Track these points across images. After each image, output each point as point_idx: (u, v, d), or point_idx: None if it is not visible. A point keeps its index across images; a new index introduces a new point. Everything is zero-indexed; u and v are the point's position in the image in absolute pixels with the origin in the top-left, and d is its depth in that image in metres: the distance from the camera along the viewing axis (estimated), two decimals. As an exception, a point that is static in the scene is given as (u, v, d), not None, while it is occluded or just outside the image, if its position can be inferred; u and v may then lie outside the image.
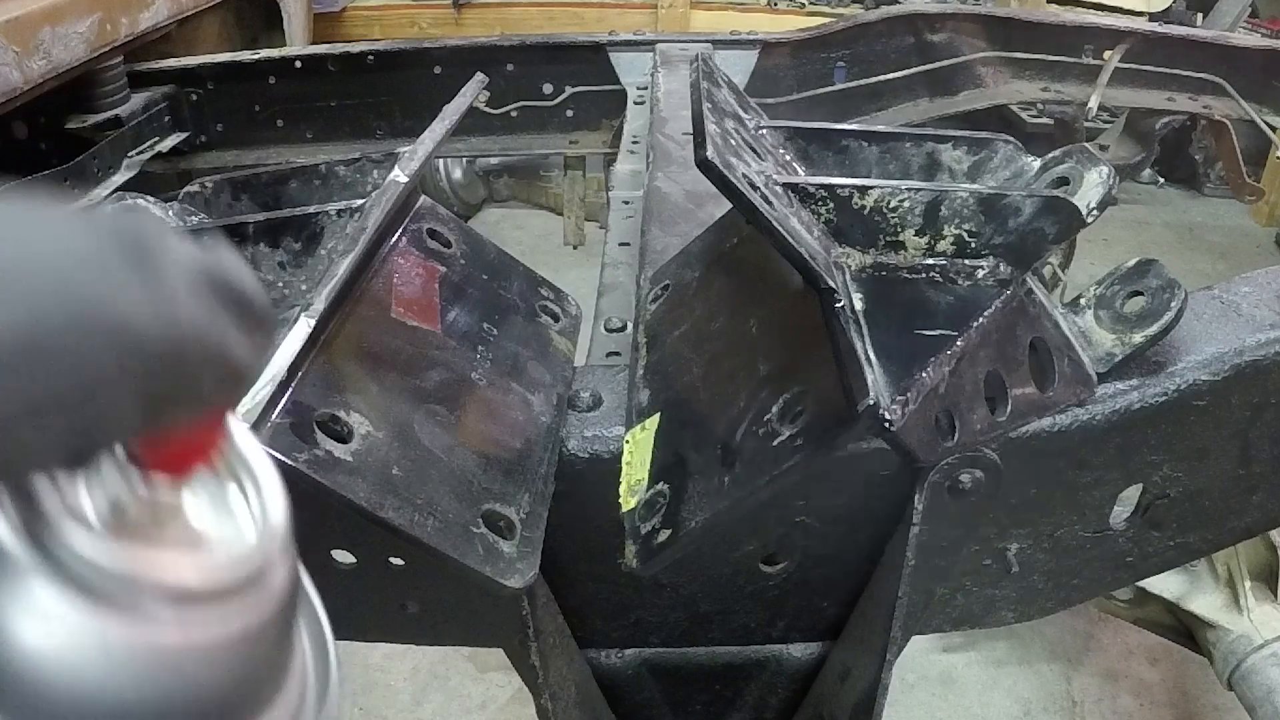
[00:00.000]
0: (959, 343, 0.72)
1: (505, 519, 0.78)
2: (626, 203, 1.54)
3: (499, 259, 0.99)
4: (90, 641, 0.29)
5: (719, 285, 0.95)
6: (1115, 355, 0.84)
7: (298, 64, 2.46)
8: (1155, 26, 2.66)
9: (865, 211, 0.75)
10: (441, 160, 4.68)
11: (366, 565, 0.92)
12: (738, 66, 2.32)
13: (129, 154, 2.29)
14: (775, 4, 4.60)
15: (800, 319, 0.78)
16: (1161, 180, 5.72)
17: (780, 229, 0.68)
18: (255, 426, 0.66)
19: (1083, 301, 0.88)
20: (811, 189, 0.75)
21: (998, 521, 0.90)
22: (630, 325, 1.13)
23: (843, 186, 0.75)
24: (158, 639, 0.31)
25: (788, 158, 0.89)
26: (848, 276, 0.75)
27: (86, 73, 2.23)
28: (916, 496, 0.82)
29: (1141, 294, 0.85)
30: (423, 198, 0.95)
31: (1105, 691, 2.80)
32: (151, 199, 0.91)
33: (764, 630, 1.03)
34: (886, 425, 0.65)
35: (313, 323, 0.73)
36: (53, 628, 0.29)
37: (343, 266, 0.75)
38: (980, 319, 0.75)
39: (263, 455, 0.41)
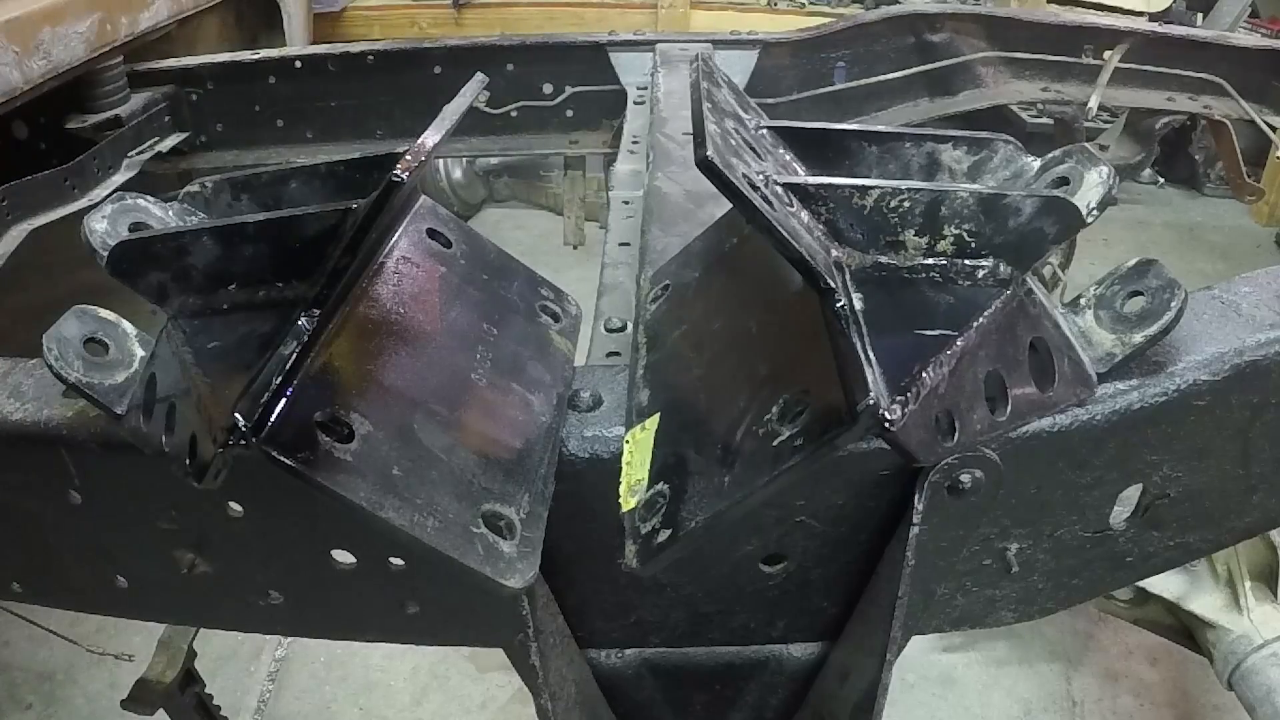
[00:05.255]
0: (959, 343, 0.72)
1: (505, 519, 0.78)
2: (626, 203, 1.54)
3: (499, 259, 0.99)
4: None
5: (719, 285, 0.95)
6: (1115, 355, 0.84)
7: (298, 64, 2.46)
8: (1155, 26, 2.67)
9: (865, 211, 0.75)
10: (441, 160, 4.68)
11: (366, 565, 0.92)
12: (738, 66, 2.32)
13: (129, 154, 2.29)
14: (775, 4, 4.60)
15: (800, 319, 0.78)
16: (1161, 180, 5.71)
17: (780, 229, 0.68)
18: (256, 428, 0.66)
19: (1083, 301, 0.88)
20: (811, 189, 0.75)
21: (998, 521, 0.90)
22: (630, 325, 1.13)
23: (843, 186, 0.75)
24: None
25: (788, 158, 0.89)
26: (848, 276, 0.75)
27: (86, 73, 2.23)
28: (916, 496, 0.82)
29: (1141, 294, 0.85)
30: (423, 198, 0.95)
31: (1105, 691, 2.80)
32: (151, 199, 0.91)
33: (764, 630, 1.03)
34: (886, 425, 0.65)
35: (313, 323, 0.73)
36: None
37: (342, 267, 0.75)
38: (980, 319, 0.74)
39: None
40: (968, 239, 0.75)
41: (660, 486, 0.80)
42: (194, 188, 0.93)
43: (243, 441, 0.65)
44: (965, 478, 0.83)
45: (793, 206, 0.74)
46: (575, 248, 2.93)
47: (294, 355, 0.70)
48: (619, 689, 1.05)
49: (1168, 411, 0.86)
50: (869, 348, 0.69)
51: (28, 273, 2.28)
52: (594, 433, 0.89)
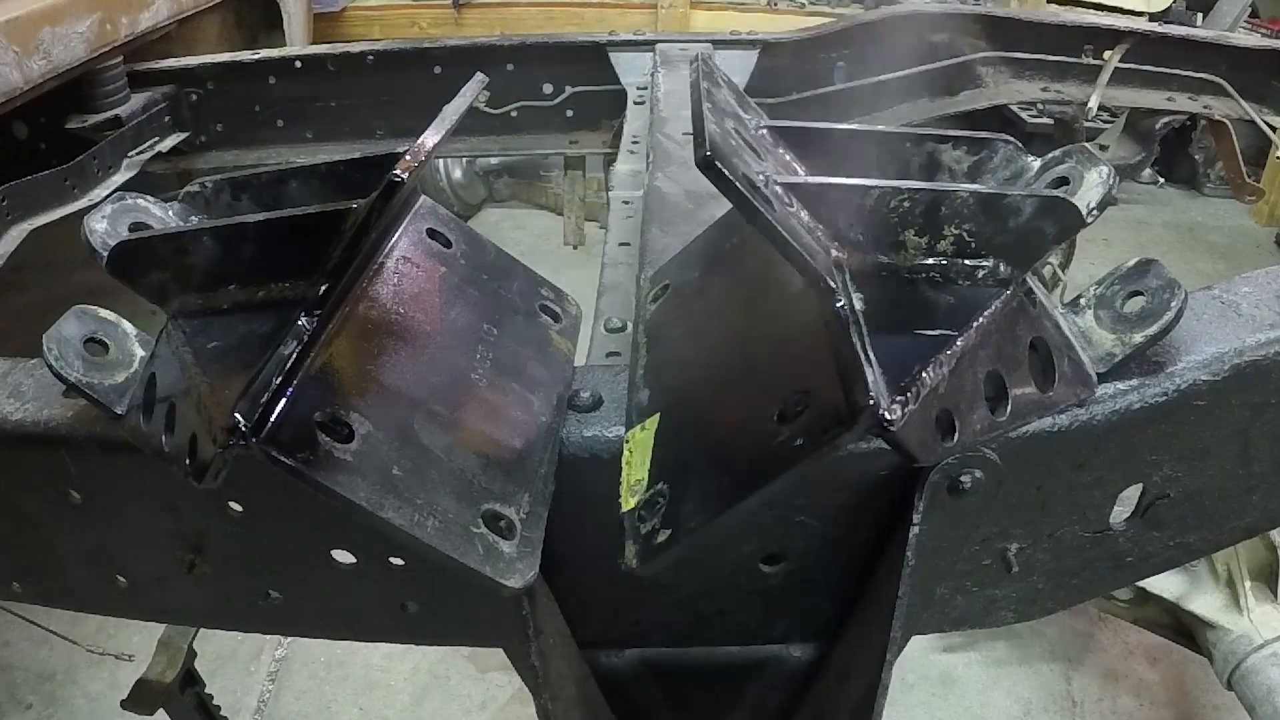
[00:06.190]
0: (959, 343, 0.72)
1: (505, 519, 0.78)
2: (626, 203, 1.54)
3: (499, 259, 0.99)
4: None
5: (719, 285, 0.95)
6: (1115, 355, 0.84)
7: (298, 64, 2.46)
8: (1155, 26, 2.66)
9: (865, 211, 0.75)
10: (441, 160, 4.68)
11: (366, 565, 0.92)
12: (738, 66, 2.32)
13: (129, 154, 2.29)
14: (775, 4, 4.60)
15: (800, 319, 0.78)
16: (1161, 180, 5.72)
17: (780, 229, 0.68)
18: (256, 428, 0.66)
19: (1083, 301, 0.88)
20: (811, 189, 0.75)
21: (998, 521, 0.90)
22: (630, 325, 1.13)
23: (843, 186, 0.75)
24: None
25: (788, 158, 0.89)
26: (848, 276, 0.74)
27: (86, 73, 2.23)
28: (916, 496, 0.82)
29: (1141, 294, 0.85)
30: (423, 198, 0.95)
31: (1105, 691, 2.80)
32: (151, 199, 0.91)
33: (764, 630, 1.03)
34: (886, 425, 0.65)
35: (313, 323, 0.73)
36: None
37: (342, 267, 0.75)
38: (980, 319, 0.74)
39: None
40: (968, 239, 0.75)
41: (660, 486, 0.80)
42: (194, 188, 0.93)
43: (243, 441, 0.65)
44: (965, 478, 0.83)
45: (793, 206, 0.74)
46: (575, 248, 2.94)
47: (294, 355, 0.70)
48: (619, 689, 1.05)
49: (1168, 411, 0.86)
50: (869, 348, 0.68)
51: (28, 273, 2.28)
52: (594, 433, 0.89)
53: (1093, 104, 2.38)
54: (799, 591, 0.98)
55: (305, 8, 3.72)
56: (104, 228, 0.85)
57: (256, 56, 2.51)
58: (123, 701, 1.95)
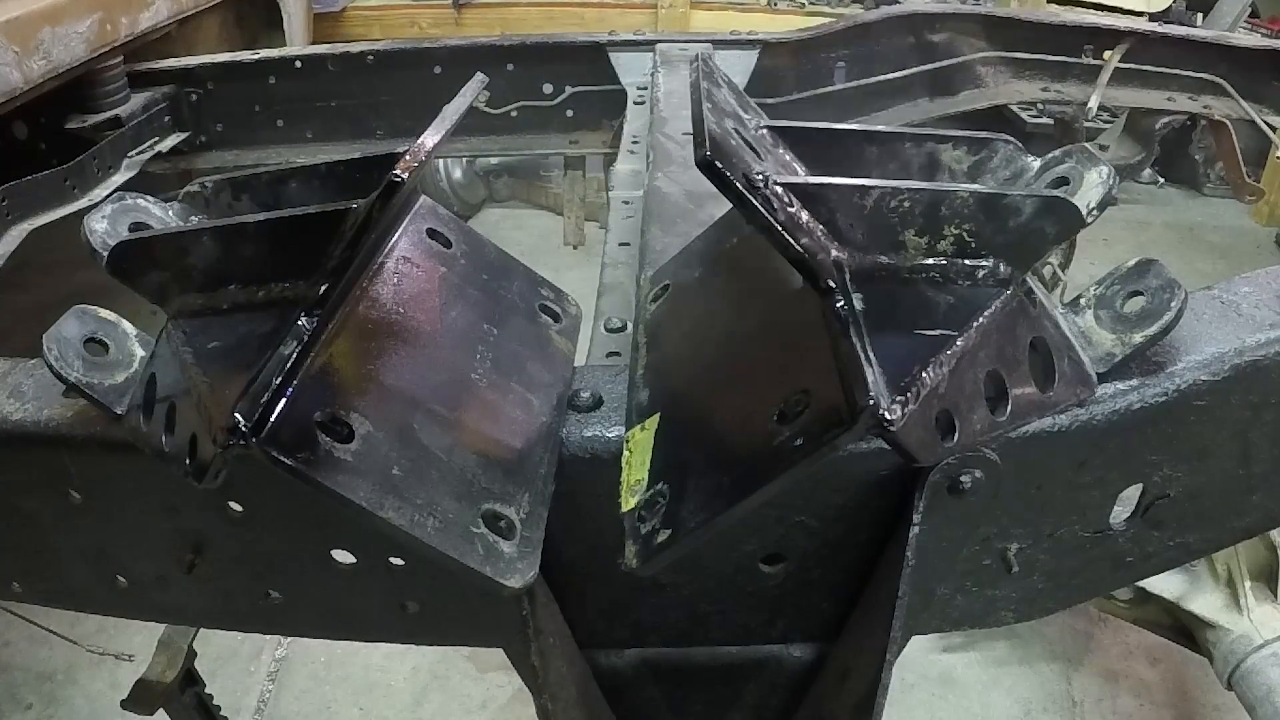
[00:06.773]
0: (959, 343, 0.72)
1: (505, 519, 0.78)
2: (626, 203, 1.54)
3: (499, 259, 0.99)
4: None
5: (719, 285, 0.95)
6: (1115, 355, 0.84)
7: (298, 64, 2.46)
8: (1155, 26, 2.66)
9: (865, 211, 0.75)
10: (441, 160, 4.68)
11: (366, 565, 0.92)
12: (738, 66, 2.32)
13: (129, 154, 2.29)
14: (775, 4, 4.60)
15: (800, 319, 0.78)
16: (1161, 180, 5.72)
17: (780, 229, 0.68)
18: (256, 428, 0.66)
19: (1083, 301, 0.88)
20: (811, 189, 0.75)
21: (998, 521, 0.90)
22: (630, 325, 1.13)
23: (843, 186, 0.75)
24: None
25: (788, 158, 0.89)
26: (848, 276, 0.74)
27: (86, 73, 2.23)
28: (916, 496, 0.82)
29: (1141, 294, 0.85)
30: (423, 198, 0.95)
31: (1105, 691, 2.80)
32: (151, 199, 0.91)
33: (764, 630, 1.03)
34: (886, 425, 0.65)
35: (313, 324, 0.73)
36: None
37: (343, 267, 0.75)
38: (980, 319, 0.74)
39: None
40: (968, 239, 0.75)
41: (660, 486, 0.80)
42: (194, 188, 0.93)
43: (243, 441, 0.65)
44: (965, 478, 0.83)
45: (793, 206, 0.74)
46: (575, 248, 2.94)
47: (294, 355, 0.70)
48: (619, 689, 1.05)
49: (1168, 411, 0.86)
50: (869, 348, 0.68)
51: (28, 273, 2.29)
52: (594, 433, 0.89)
53: (1093, 104, 2.38)
54: (799, 591, 0.98)
55: (305, 8, 3.72)
56: (104, 228, 0.85)
57: (256, 56, 2.51)
58: (123, 701, 1.95)
